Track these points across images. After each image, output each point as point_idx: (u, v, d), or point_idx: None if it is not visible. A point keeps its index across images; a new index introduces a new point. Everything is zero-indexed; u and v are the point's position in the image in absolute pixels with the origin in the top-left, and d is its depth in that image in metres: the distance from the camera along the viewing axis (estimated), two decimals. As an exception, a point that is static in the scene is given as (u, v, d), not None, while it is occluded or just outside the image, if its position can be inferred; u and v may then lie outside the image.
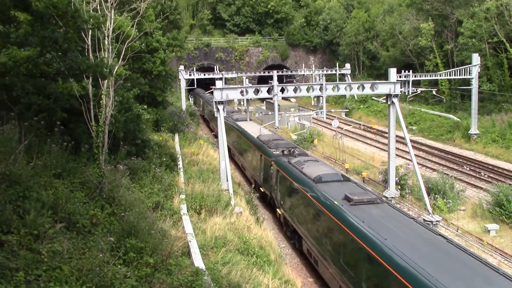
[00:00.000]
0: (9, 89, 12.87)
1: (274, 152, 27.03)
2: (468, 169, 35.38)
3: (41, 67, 13.75)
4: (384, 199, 19.59)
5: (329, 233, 16.63)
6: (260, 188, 28.59)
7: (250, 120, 46.30)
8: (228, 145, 28.80)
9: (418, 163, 29.39)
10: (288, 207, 22.25)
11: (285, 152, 26.64)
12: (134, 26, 17.41)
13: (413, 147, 33.66)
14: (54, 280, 7.96)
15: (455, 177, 30.67)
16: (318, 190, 18.61)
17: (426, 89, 56.72)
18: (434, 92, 56.22)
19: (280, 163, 24.27)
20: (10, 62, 12.85)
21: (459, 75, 45.39)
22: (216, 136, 38.01)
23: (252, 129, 37.64)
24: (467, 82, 45.46)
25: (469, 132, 44.57)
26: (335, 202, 16.63)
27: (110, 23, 15.11)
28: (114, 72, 15.07)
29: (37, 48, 12.84)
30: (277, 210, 24.49)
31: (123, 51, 16.24)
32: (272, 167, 25.60)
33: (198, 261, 13.44)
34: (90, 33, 14.44)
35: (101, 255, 9.45)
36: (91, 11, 14.73)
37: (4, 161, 10.18)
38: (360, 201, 16.43)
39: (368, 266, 13.34)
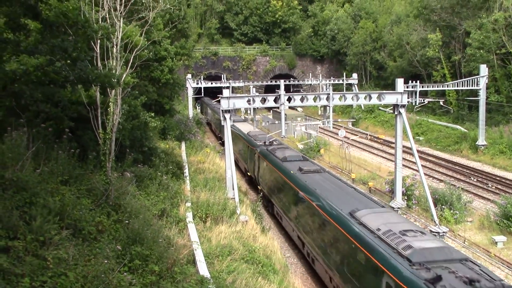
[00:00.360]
0: (18, 97, 12.97)
1: (258, 143, 32.55)
2: (475, 180, 35.19)
3: (50, 75, 13.86)
4: (325, 168, 25.87)
5: (286, 192, 24.05)
6: (248, 173, 35.12)
7: (244, 121, 52.39)
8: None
9: (425, 174, 29.29)
10: (264, 182, 28.93)
11: (266, 143, 31.99)
12: (143, 35, 17.54)
13: (420, 157, 33.55)
14: (60, 286, 7.98)
15: (462, 188, 30.49)
16: (283, 165, 25.55)
17: (433, 100, 56.63)
18: (441, 103, 56.11)
19: (260, 150, 30.52)
20: (20, 70, 12.98)
21: (467, 86, 45.31)
22: (222, 145, 38.09)
23: (245, 127, 43.01)
24: (475, 93, 45.32)
25: (476, 143, 44.37)
26: (291, 171, 23.85)
27: (119, 32, 15.24)
28: (122, 81, 15.17)
29: (47, 57, 12.95)
30: (258, 186, 30.56)
31: (131, 60, 16.36)
32: (255, 154, 31.56)
33: (203, 270, 13.42)
34: (99, 42, 14.56)
35: (106, 262, 9.46)
36: (100, 19, 14.87)
37: (12, 167, 10.25)
38: (308, 170, 23.70)
39: (302, 205, 21.09)
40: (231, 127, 36.08)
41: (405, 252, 12.93)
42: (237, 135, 38.89)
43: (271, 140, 32.79)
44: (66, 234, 9.81)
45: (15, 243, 8.46)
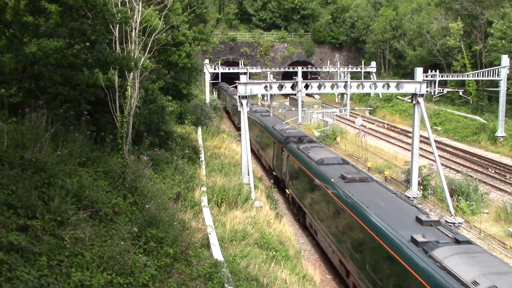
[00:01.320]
0: (37, 79, 13.11)
1: (285, 139, 28.90)
2: (493, 171, 34.83)
3: (69, 58, 13.97)
4: (373, 177, 21.06)
5: (326, 207, 19.61)
6: (273, 172, 31.12)
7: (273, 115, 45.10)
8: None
9: (442, 164, 29.05)
10: (295, 187, 25.03)
11: (296, 140, 28.10)
12: (161, 19, 17.55)
13: (437, 147, 33.26)
14: (76, 266, 8.11)
15: (479, 180, 30.24)
16: (319, 170, 21.48)
17: (452, 90, 55.91)
18: (460, 93, 55.37)
19: (289, 149, 26.72)
20: (40, 52, 13.10)
21: (487, 77, 44.65)
22: (238, 130, 38.14)
23: (270, 120, 37.64)
24: (495, 83, 44.66)
25: (495, 134, 43.84)
26: (332, 180, 19.52)
27: (138, 16, 15.26)
28: (140, 65, 15.23)
29: (66, 40, 13.05)
30: (286, 190, 27.15)
31: (150, 44, 16.40)
32: (283, 153, 28.11)
33: (217, 254, 13.54)
34: (117, 26, 14.61)
35: (122, 243, 9.60)
36: (119, 3, 14.90)
37: (31, 148, 10.40)
38: (353, 179, 19.13)
39: (350, 226, 16.60)
40: (251, 117, 34.81)
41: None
42: (260, 128, 36.28)
43: (301, 136, 29.02)
44: (83, 215, 9.96)
45: (34, 223, 8.61)
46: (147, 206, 12.37)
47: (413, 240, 12.75)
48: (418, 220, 14.29)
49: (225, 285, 10.65)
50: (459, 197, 26.17)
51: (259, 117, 38.37)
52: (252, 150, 32.83)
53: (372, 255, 14.59)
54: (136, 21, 15.19)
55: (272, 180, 28.33)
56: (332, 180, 19.38)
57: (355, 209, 16.38)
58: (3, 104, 12.67)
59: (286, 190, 26.84)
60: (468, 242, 12.83)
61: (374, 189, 18.34)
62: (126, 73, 14.74)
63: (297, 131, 31.23)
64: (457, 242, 12.51)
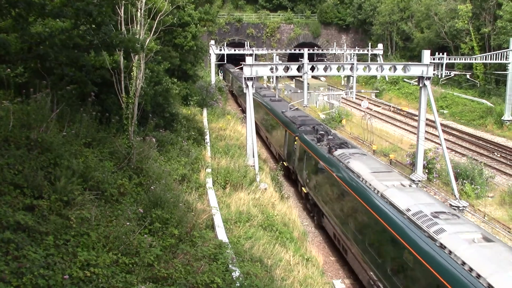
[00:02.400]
0: (43, 59, 13.09)
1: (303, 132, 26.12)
2: (499, 155, 34.72)
3: (75, 39, 13.93)
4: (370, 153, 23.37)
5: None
6: (284, 163, 28.80)
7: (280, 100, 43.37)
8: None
9: (448, 148, 28.98)
10: (313, 187, 22.32)
11: (317, 133, 24.98)
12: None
13: (443, 131, 33.12)
14: (82, 245, 8.20)
15: (484, 163, 30.16)
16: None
17: (460, 73, 55.51)
18: (468, 76, 54.97)
19: (311, 147, 23.33)
20: (45, 32, 13.06)
21: (495, 60, 44.28)
22: (244, 112, 38.08)
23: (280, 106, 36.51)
24: (503, 67, 44.34)
25: (502, 118, 43.62)
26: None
27: (143, -4, 15.18)
28: (146, 46, 15.18)
29: (72, 20, 13.00)
30: (303, 189, 24.32)
31: (155, 25, 16.33)
32: (300, 147, 25.29)
33: (222, 235, 13.63)
34: (123, 7, 14.53)
35: (127, 224, 9.68)
36: (124, -17, 14.80)
37: (37, 129, 10.44)
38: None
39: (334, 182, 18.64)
40: (258, 100, 33.39)
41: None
42: (269, 115, 34.45)
43: (323, 130, 25.71)
44: (89, 196, 10.03)
45: (40, 202, 8.69)
46: (152, 188, 12.43)
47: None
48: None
49: (230, 266, 10.74)
50: (464, 181, 26.15)
51: (268, 102, 36.89)
52: (258, 134, 32.01)
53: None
54: (141, 2, 15.11)
55: (280, 164, 27.36)
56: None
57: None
58: (8, 84, 12.67)
59: (303, 188, 24.11)
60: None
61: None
62: (132, 54, 14.71)
63: (310, 118, 29.65)
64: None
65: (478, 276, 9.82)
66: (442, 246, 11.21)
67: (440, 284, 10.56)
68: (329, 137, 23.61)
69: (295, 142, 25.91)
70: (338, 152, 20.12)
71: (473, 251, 10.61)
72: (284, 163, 28.59)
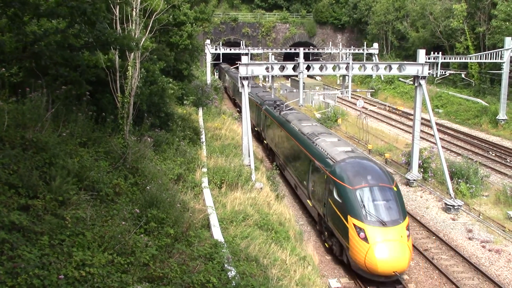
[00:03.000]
0: (38, 58, 13.06)
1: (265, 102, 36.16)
2: (493, 154, 34.86)
3: (69, 39, 13.89)
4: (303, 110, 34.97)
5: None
6: (255, 128, 38.32)
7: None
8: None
9: (443, 147, 29.05)
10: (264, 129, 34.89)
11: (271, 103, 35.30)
12: (162, -1, 17.42)
13: (439, 130, 33.24)
14: (77, 245, 8.17)
15: (479, 162, 30.27)
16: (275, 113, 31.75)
17: (455, 72, 55.67)
18: (463, 75, 55.13)
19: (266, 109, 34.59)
20: (40, 31, 13.02)
21: (490, 59, 44.44)
22: (240, 112, 38.07)
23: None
24: (498, 66, 44.49)
25: (497, 117, 43.77)
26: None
27: (138, -5, 15.14)
28: (141, 45, 15.15)
29: (67, 19, 12.96)
30: (256, 128, 37.74)
31: (151, 24, 16.30)
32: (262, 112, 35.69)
33: (218, 234, 13.62)
34: (118, 6, 14.50)
35: (123, 223, 9.65)
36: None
37: (32, 128, 10.41)
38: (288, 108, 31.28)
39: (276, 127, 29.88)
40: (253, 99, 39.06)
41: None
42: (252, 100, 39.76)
43: (280, 103, 34.87)
44: (84, 195, 10.00)
45: (35, 202, 8.66)
46: (148, 188, 12.41)
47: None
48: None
49: (225, 265, 10.73)
50: (459, 180, 26.23)
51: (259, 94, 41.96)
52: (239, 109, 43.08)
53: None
54: (137, 1, 15.08)
55: (255, 132, 36.88)
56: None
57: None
58: (3, 83, 12.62)
59: (264, 141, 35.54)
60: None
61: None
62: (127, 53, 14.68)
63: (274, 97, 38.88)
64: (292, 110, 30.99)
65: (325, 151, 20.76)
66: (315, 144, 22.38)
67: (311, 159, 21.59)
68: (282, 106, 32.32)
69: (261, 112, 35.73)
70: (283, 112, 30.84)
71: (325, 144, 21.82)
72: (255, 128, 37.97)
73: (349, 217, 16.85)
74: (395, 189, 17.79)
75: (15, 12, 11.60)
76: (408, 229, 16.86)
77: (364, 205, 16.89)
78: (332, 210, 18.15)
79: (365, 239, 16.34)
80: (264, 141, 35.42)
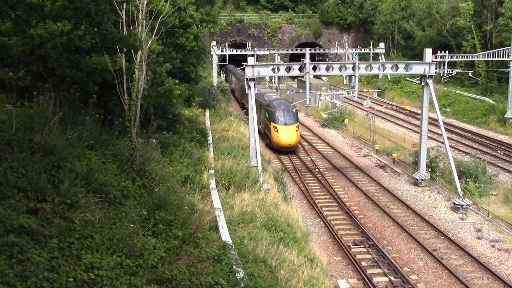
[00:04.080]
0: (45, 61, 13.12)
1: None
2: (502, 153, 34.66)
3: (75, 41, 13.94)
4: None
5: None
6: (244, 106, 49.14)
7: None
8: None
9: (451, 146, 28.92)
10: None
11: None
12: (168, 1, 17.44)
13: (446, 129, 33.10)
14: (86, 248, 8.19)
15: (488, 161, 30.11)
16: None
17: (462, 71, 55.44)
18: (470, 74, 54.88)
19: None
20: (46, 34, 13.07)
21: (497, 57, 44.23)
22: (246, 113, 38.11)
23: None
24: (505, 64, 44.21)
25: (505, 116, 43.54)
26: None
27: (144, -3, 15.16)
28: (148, 47, 15.18)
29: (72, 22, 13.00)
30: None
31: (157, 26, 16.32)
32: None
33: (226, 236, 13.61)
34: (124, 7, 14.53)
35: (131, 226, 9.67)
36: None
37: (40, 132, 10.45)
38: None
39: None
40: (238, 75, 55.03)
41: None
42: (237, 81, 56.18)
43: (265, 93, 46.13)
44: (93, 198, 10.03)
45: (44, 205, 8.69)
46: (156, 190, 12.42)
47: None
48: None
49: (233, 267, 10.72)
50: (468, 179, 26.09)
51: (236, 73, 58.91)
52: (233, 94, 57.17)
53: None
54: (143, 3, 15.10)
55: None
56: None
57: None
58: (11, 87, 12.69)
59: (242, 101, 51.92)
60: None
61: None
62: (133, 55, 14.70)
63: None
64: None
65: (267, 99, 38.32)
66: (264, 97, 39.15)
67: (261, 104, 37.83)
68: (238, 70, 48.50)
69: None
70: (236, 70, 45.03)
71: (266, 96, 39.68)
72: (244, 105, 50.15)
73: (271, 123, 35.06)
74: (293, 111, 35.72)
75: (20, 15, 11.64)
76: (297, 127, 35.29)
77: (278, 117, 34.88)
78: (266, 122, 36.42)
79: (276, 130, 34.47)
80: (236, 96, 52.51)
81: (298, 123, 35.41)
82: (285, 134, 33.91)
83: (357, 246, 19.98)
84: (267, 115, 35.78)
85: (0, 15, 11.02)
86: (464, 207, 23.68)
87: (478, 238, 21.09)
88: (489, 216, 23.15)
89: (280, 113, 34.88)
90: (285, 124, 34.25)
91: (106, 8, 12.91)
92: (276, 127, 34.24)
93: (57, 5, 12.94)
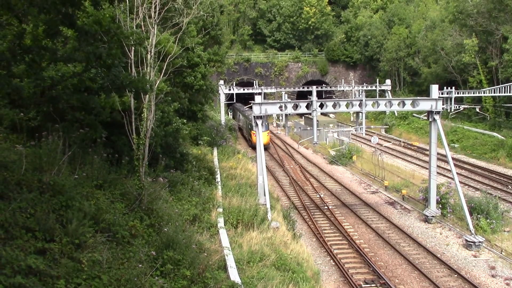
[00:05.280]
0: (55, 102, 13.29)
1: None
2: (513, 189, 34.29)
3: (85, 82, 14.16)
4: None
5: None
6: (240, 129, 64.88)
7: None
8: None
9: (460, 182, 28.69)
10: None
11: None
12: (176, 41, 17.75)
13: (455, 165, 32.89)
14: (93, 289, 8.11)
15: (499, 197, 29.75)
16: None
17: (469, 106, 55.52)
18: (477, 110, 54.93)
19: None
20: (57, 76, 13.29)
21: (504, 92, 44.34)
22: (254, 150, 38.15)
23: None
24: (512, 99, 44.24)
25: (514, 150, 43.26)
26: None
27: (153, 39, 15.46)
28: (156, 87, 15.37)
29: (82, 64, 13.25)
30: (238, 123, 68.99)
31: (165, 67, 16.57)
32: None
33: (234, 275, 13.43)
34: (133, 48, 14.80)
35: (139, 266, 9.58)
36: (134, 26, 15.12)
37: (49, 172, 10.49)
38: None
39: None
40: (240, 110, 69.30)
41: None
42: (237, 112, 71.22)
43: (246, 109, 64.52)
44: (101, 238, 9.98)
45: (51, 245, 8.65)
46: (165, 230, 12.35)
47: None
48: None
49: (243, 308, 10.55)
50: (479, 215, 25.73)
51: (240, 108, 70.13)
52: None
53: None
54: (151, 45, 15.38)
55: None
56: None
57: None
58: (21, 128, 12.83)
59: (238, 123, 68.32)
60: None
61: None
62: (142, 95, 14.88)
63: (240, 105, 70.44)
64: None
65: (246, 113, 59.86)
66: (245, 113, 61.05)
67: (245, 116, 60.61)
68: (245, 110, 58.02)
69: (241, 117, 64.05)
70: (245, 111, 60.84)
71: (246, 112, 60.20)
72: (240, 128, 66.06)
73: (251, 131, 48.59)
74: (266, 124, 47.71)
75: (32, 58, 11.88)
76: (268, 133, 53.96)
77: (252, 125, 36.93)
78: (248, 131, 53.60)
79: (254, 135, 36.85)
80: (243, 134, 63.96)
81: (269, 131, 56.69)
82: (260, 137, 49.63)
83: (369, 285, 19.61)
84: (249, 126, 53.89)
85: (13, 58, 11.24)
86: (476, 244, 23.30)
87: (492, 276, 20.66)
88: (503, 253, 22.74)
89: (251, 121, 55.00)
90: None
91: (117, 52, 13.16)
92: (254, 133, 48.08)
93: (67, 48, 13.21)
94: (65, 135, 12.51)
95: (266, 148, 52.07)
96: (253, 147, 48.70)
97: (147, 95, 14.99)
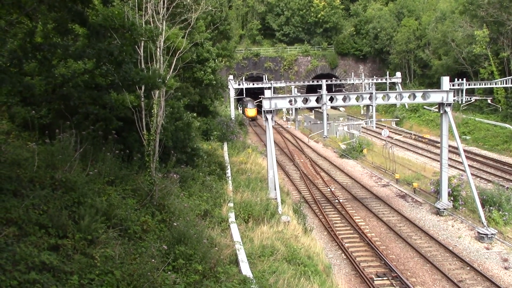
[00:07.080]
0: (67, 99, 13.38)
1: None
2: (525, 180, 34.01)
3: (97, 79, 14.23)
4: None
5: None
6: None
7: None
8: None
9: (472, 174, 28.51)
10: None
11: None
12: (185, 37, 17.78)
13: (467, 157, 32.69)
14: (106, 284, 8.18)
15: (511, 189, 29.53)
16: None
17: (480, 98, 55.08)
18: (489, 101, 54.47)
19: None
20: (68, 73, 13.38)
21: (516, 83, 43.86)
22: (264, 145, 38.15)
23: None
24: (525, 90, 43.80)
25: (526, 142, 42.90)
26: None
27: (162, 35, 15.50)
28: (166, 82, 15.42)
29: (93, 60, 13.32)
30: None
31: (174, 62, 16.62)
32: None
33: (246, 270, 13.48)
34: (143, 45, 14.85)
35: (152, 261, 9.65)
36: (143, 23, 15.17)
37: (61, 169, 10.59)
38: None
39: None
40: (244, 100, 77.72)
41: None
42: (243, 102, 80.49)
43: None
44: (113, 233, 10.06)
45: (65, 242, 8.74)
46: (175, 224, 12.42)
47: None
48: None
49: (255, 301, 10.59)
50: (491, 207, 25.58)
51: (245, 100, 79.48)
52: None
53: None
54: (160, 40, 15.42)
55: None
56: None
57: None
58: (33, 125, 12.95)
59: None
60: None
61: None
62: (152, 92, 14.94)
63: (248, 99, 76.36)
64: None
65: (244, 100, 79.21)
66: (244, 101, 78.49)
67: (244, 101, 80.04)
68: (247, 101, 76.92)
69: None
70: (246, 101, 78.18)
71: (245, 100, 78.81)
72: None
73: (244, 108, 76.43)
74: (254, 104, 74.89)
75: (44, 55, 11.96)
76: (256, 110, 74.38)
77: (247, 105, 75.75)
78: (244, 108, 77.20)
79: (246, 110, 74.73)
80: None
81: (256, 108, 72.34)
82: (250, 112, 74.92)
83: (380, 278, 19.60)
84: (244, 105, 76.13)
85: (25, 56, 11.32)
86: (489, 236, 23.18)
87: (505, 268, 20.56)
88: (515, 245, 22.61)
89: (248, 104, 75.86)
90: (250, 108, 75.20)
91: (129, 49, 13.20)
92: (246, 109, 72.47)
93: (78, 44, 13.28)
94: (76, 131, 12.62)
95: (253, 119, 75.09)
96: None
97: (157, 91, 15.04)
